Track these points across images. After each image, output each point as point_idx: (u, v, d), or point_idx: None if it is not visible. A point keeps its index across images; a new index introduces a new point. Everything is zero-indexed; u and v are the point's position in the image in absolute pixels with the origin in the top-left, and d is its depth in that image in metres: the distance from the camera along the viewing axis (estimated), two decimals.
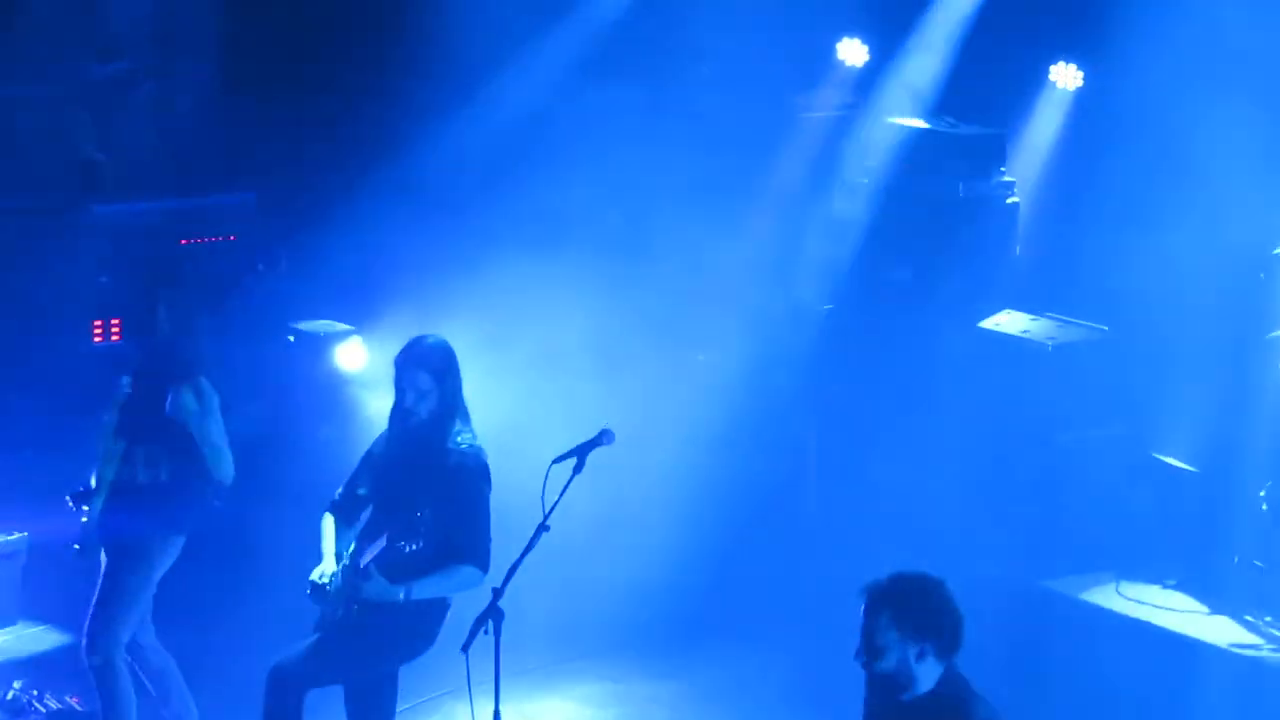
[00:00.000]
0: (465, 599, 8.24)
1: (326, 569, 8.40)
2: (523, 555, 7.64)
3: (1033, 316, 11.37)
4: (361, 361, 11.23)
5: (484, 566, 8.24)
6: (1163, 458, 10.76)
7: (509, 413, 9.93)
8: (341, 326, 11.52)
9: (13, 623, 10.56)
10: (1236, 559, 10.38)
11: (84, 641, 9.14)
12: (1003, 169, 11.89)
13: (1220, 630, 10.04)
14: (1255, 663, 9.75)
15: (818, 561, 11.29)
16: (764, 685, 10.58)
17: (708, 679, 10.71)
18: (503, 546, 8.15)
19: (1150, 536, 10.66)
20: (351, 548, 8.40)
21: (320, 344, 11.38)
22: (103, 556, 9.19)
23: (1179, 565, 10.57)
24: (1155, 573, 10.60)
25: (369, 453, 8.66)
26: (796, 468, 12.16)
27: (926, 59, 12.16)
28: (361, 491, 8.60)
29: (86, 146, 12.41)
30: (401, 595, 8.18)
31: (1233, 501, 10.43)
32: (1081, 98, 11.85)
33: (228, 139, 12.32)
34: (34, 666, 10.13)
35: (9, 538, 10.56)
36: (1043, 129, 12.03)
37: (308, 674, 8.38)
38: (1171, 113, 10.86)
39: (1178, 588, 10.49)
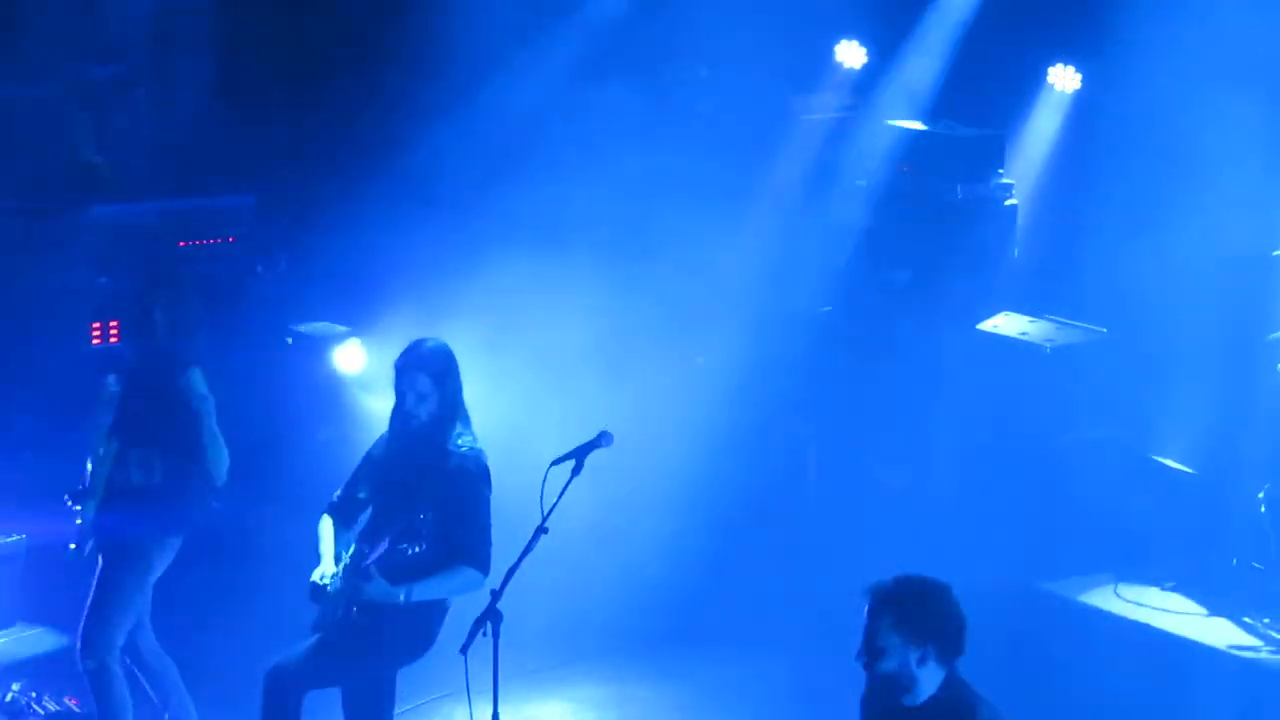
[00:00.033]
0: (464, 601, 8.25)
1: (326, 570, 8.40)
2: (521, 557, 7.65)
3: (1031, 318, 11.38)
4: (360, 363, 11.23)
5: (484, 569, 8.24)
6: (1161, 460, 10.77)
7: (508, 414, 9.93)
8: (340, 328, 11.51)
9: (11, 624, 10.55)
10: (1235, 561, 10.39)
11: (78, 645, 9.13)
12: (1001, 171, 11.90)
13: (1219, 632, 10.05)
14: (1254, 664, 9.76)
15: (817, 563, 11.28)
16: (763, 687, 10.58)
17: (707, 681, 10.71)
18: (502, 548, 8.16)
19: (1149, 538, 10.67)
20: (351, 549, 8.40)
21: (319, 346, 11.38)
22: (98, 558, 9.19)
23: (1177, 567, 10.58)
24: (1154, 575, 10.61)
25: (368, 455, 8.67)
26: (795, 469, 12.16)
27: (925, 61, 12.18)
28: (361, 494, 8.60)
29: (85, 148, 12.41)
30: (402, 597, 8.18)
31: (1231, 503, 10.45)
32: (1079, 100, 11.87)
33: (226, 140, 12.32)
34: (33, 668, 10.11)
35: (7, 539, 10.55)
36: (1041, 131, 12.05)
37: (306, 675, 8.38)
38: (1169, 115, 10.87)
39: (1176, 590, 10.50)
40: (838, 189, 12.33)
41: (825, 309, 12.32)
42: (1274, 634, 9.96)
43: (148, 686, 9.38)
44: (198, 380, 9.07)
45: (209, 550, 9.62)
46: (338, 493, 8.69)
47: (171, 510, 9.14)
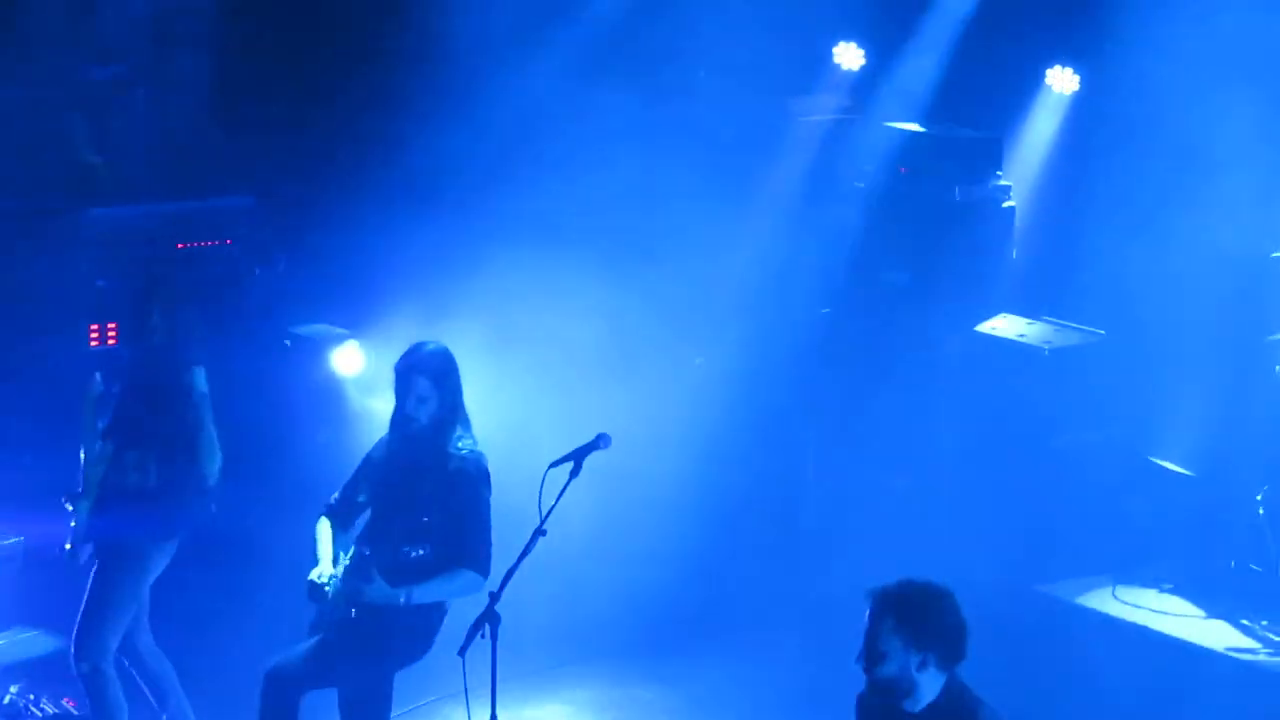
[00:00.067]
0: (462, 603, 8.25)
1: (324, 570, 8.40)
2: (519, 559, 7.66)
3: (1029, 320, 11.38)
4: (358, 365, 11.22)
5: (484, 571, 8.24)
6: (1159, 461, 10.77)
7: (507, 416, 9.93)
8: (338, 330, 11.51)
9: (9, 627, 10.54)
10: (1233, 563, 10.40)
11: (72, 649, 9.12)
12: (999, 173, 11.91)
13: (1217, 634, 10.05)
14: (1252, 667, 9.77)
15: (815, 565, 11.29)
16: (762, 689, 10.58)
17: (705, 683, 10.71)
18: (501, 550, 8.16)
19: (1147, 540, 10.68)
20: (351, 551, 8.40)
21: (317, 348, 11.37)
22: (94, 562, 9.18)
23: (1175, 569, 10.59)
24: (1152, 577, 10.62)
25: (368, 458, 8.67)
26: (794, 471, 12.17)
27: (923, 63, 12.17)
28: (360, 497, 8.60)
29: (84, 149, 12.40)
30: (402, 599, 8.19)
31: (1229, 505, 10.46)
32: (1078, 102, 11.87)
33: (225, 142, 12.32)
34: (31, 670, 10.10)
35: (5, 541, 10.54)
36: (1039, 133, 12.05)
37: (304, 676, 8.39)
38: (1167, 117, 10.88)
39: (1174, 592, 10.51)
40: (836, 191, 12.33)
41: (823, 311, 12.32)
42: (1272, 636, 9.97)
43: (145, 688, 9.38)
44: (200, 379, 9.08)
45: (207, 552, 9.61)
46: (336, 495, 8.69)
47: (167, 513, 9.13)
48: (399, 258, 11.56)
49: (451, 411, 8.44)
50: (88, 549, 9.19)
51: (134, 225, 11.59)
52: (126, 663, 9.34)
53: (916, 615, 6.50)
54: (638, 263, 11.64)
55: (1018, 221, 11.92)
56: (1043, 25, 11.75)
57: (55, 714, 9.79)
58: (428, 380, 8.39)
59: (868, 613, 6.55)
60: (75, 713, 9.71)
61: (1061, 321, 11.32)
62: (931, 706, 6.53)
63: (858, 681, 6.68)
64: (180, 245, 11.61)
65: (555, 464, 7.84)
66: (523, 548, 7.65)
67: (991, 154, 11.89)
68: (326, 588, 8.32)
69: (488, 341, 10.47)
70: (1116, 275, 11.12)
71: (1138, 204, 11.11)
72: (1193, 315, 10.63)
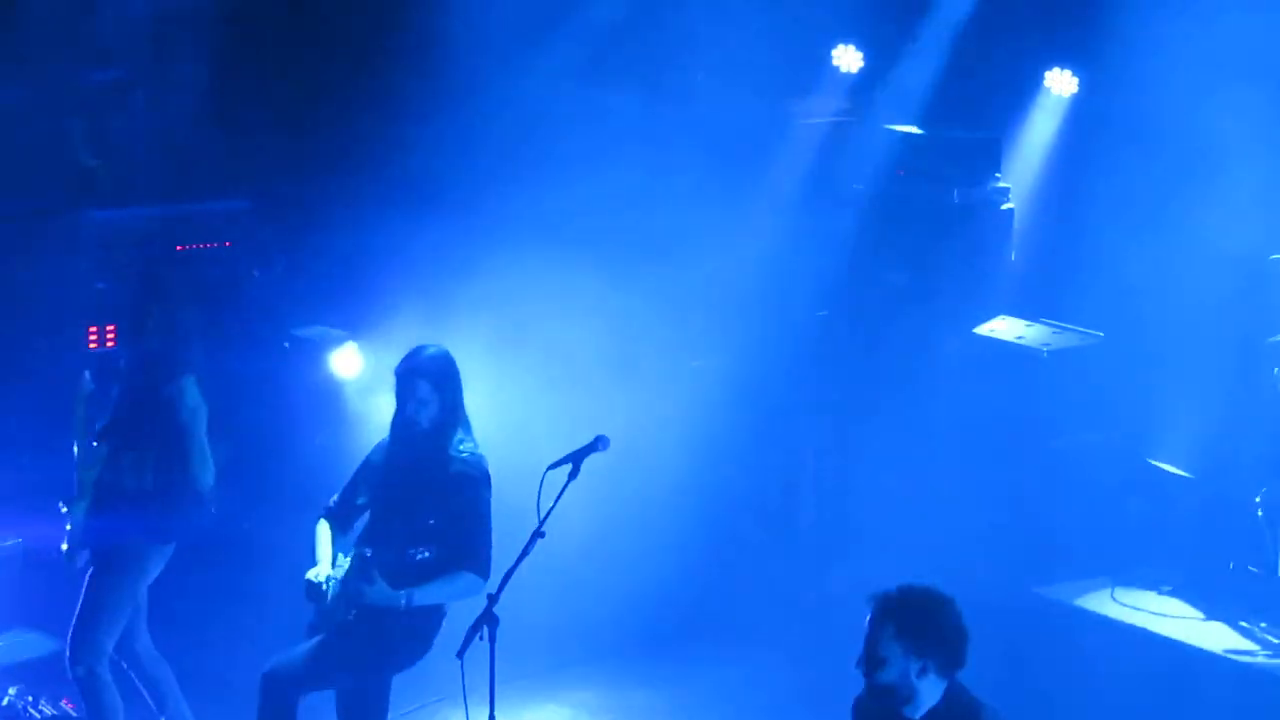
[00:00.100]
0: (461, 605, 8.25)
1: (322, 570, 8.40)
2: (518, 561, 7.66)
3: (1028, 322, 11.38)
4: (357, 367, 11.22)
5: (485, 574, 8.25)
6: (1158, 463, 10.77)
7: (506, 418, 9.93)
8: (337, 332, 11.51)
9: (8, 628, 10.54)
10: (1232, 565, 10.40)
11: (67, 652, 9.11)
12: (998, 175, 11.90)
13: (1216, 636, 10.05)
14: (1251, 669, 9.76)
15: (814, 567, 11.30)
16: (759, 692, 10.58)
17: (704, 686, 10.71)
18: (500, 552, 8.16)
19: (1145, 542, 10.68)
20: (350, 553, 8.40)
21: (316, 350, 11.37)
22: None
23: (1174, 571, 10.59)
24: (1150, 579, 10.61)
25: (367, 461, 8.68)
26: (793, 473, 12.17)
27: (921, 65, 12.17)
28: (360, 500, 8.61)
29: (82, 152, 12.39)
30: (404, 601, 8.19)
31: (1228, 507, 10.45)
32: (1077, 103, 11.87)
33: (224, 144, 12.31)
34: (29, 672, 10.11)
35: (4, 543, 10.55)
36: (1038, 135, 12.05)
37: (303, 678, 8.40)
38: (1166, 119, 10.87)
39: (1173, 593, 10.51)
40: (834, 193, 12.33)
41: (822, 313, 12.32)
42: (1271, 638, 9.97)
43: (144, 691, 9.38)
44: (190, 392, 9.04)
45: (205, 554, 9.61)
46: (335, 498, 8.69)
47: (164, 515, 9.11)
48: (399, 259, 11.56)
49: (452, 414, 8.46)
50: (84, 553, 9.18)
51: (133, 227, 11.59)
52: (125, 665, 9.34)
53: (917, 622, 6.49)
54: (637, 264, 11.64)
55: (1016, 223, 11.92)
56: (1041, 27, 11.75)
57: (54, 715, 9.79)
58: (428, 384, 8.41)
59: (868, 618, 6.53)
60: (74, 714, 9.71)
61: (1060, 323, 11.31)
62: (932, 712, 6.52)
63: (857, 683, 6.68)
64: (179, 247, 11.61)
65: (554, 466, 7.85)
66: (521, 549, 7.66)
67: (990, 156, 11.89)
68: (324, 587, 8.33)
69: (487, 343, 10.48)
70: (1115, 277, 11.12)
71: (1137, 206, 11.11)
72: (1191, 317, 10.63)
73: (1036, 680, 9.93)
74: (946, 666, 6.52)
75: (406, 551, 8.25)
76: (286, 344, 11.57)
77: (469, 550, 8.31)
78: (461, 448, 8.42)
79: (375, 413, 10.08)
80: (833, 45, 12.70)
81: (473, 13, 11.94)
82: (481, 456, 8.46)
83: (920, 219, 11.87)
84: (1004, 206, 11.87)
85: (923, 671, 6.49)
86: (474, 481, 8.39)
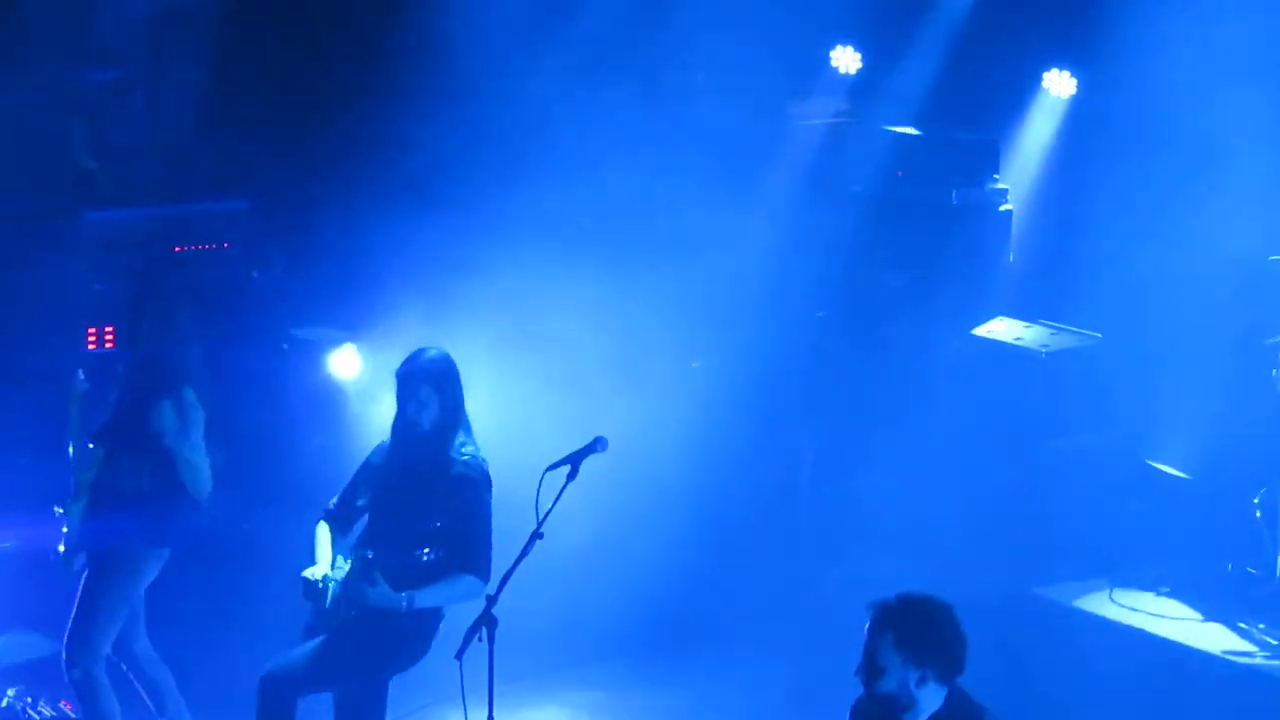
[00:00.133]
0: (459, 606, 8.25)
1: (320, 570, 8.40)
2: (516, 562, 7.67)
3: (1026, 323, 11.38)
4: (356, 369, 11.23)
5: (485, 577, 8.26)
6: (1156, 465, 10.77)
7: (505, 419, 9.94)
8: (336, 333, 11.51)
9: (8, 630, 10.54)
10: (1230, 566, 10.40)
11: (63, 655, 9.10)
12: (996, 176, 11.91)
13: (1214, 637, 10.05)
14: (1249, 670, 9.76)
15: (812, 568, 11.29)
16: (758, 693, 10.58)
17: (703, 687, 10.71)
18: (500, 553, 8.17)
19: (1144, 543, 10.67)
20: (351, 556, 8.40)
21: (315, 351, 11.37)
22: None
23: (1173, 572, 10.59)
24: (1149, 580, 10.61)
25: (367, 462, 8.68)
26: (792, 474, 12.17)
27: (920, 66, 12.17)
28: (359, 502, 8.61)
29: (80, 153, 12.39)
30: (405, 603, 8.20)
31: (1226, 508, 10.46)
32: (1075, 105, 11.87)
33: (222, 144, 12.31)
34: (28, 674, 10.11)
35: (3, 544, 10.54)
36: (1036, 136, 12.05)
37: (301, 680, 8.40)
38: (1165, 120, 10.88)
39: (1171, 594, 10.51)
40: (833, 194, 12.33)
41: (820, 314, 12.32)
42: (1269, 639, 9.97)
43: (143, 693, 9.37)
44: (169, 415, 8.99)
45: (204, 556, 9.62)
46: (334, 499, 8.70)
47: (161, 518, 9.10)
48: (398, 260, 11.56)
49: (453, 417, 8.47)
50: (81, 555, 9.17)
51: (132, 228, 11.59)
52: (124, 667, 9.33)
53: (916, 631, 6.47)
54: (636, 265, 11.65)
55: (1015, 225, 11.92)
56: (1039, 29, 11.75)
57: (53, 716, 9.79)
58: (429, 386, 8.42)
59: (867, 626, 6.52)
60: (73, 715, 9.70)
61: (1058, 324, 11.31)
62: (934, 718, 6.51)
63: (856, 685, 6.67)
64: (178, 248, 11.61)
65: (552, 467, 7.85)
66: (520, 550, 7.66)
67: (988, 157, 11.89)
68: (320, 586, 8.32)
69: (487, 344, 10.48)
70: (1114, 278, 11.12)
71: (1135, 207, 11.11)
72: (1190, 318, 10.64)
73: (1034, 681, 9.93)
74: (946, 674, 6.50)
75: (413, 553, 8.26)
76: (285, 345, 11.57)
77: (470, 553, 8.32)
78: (463, 450, 8.43)
79: (375, 414, 10.09)
80: (831, 46, 12.70)
81: (471, 13, 11.94)
82: (483, 459, 8.47)
83: (919, 220, 11.87)
84: (1002, 208, 11.87)
85: (922, 681, 6.48)
86: (475, 484, 8.40)
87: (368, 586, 8.18)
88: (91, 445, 9.19)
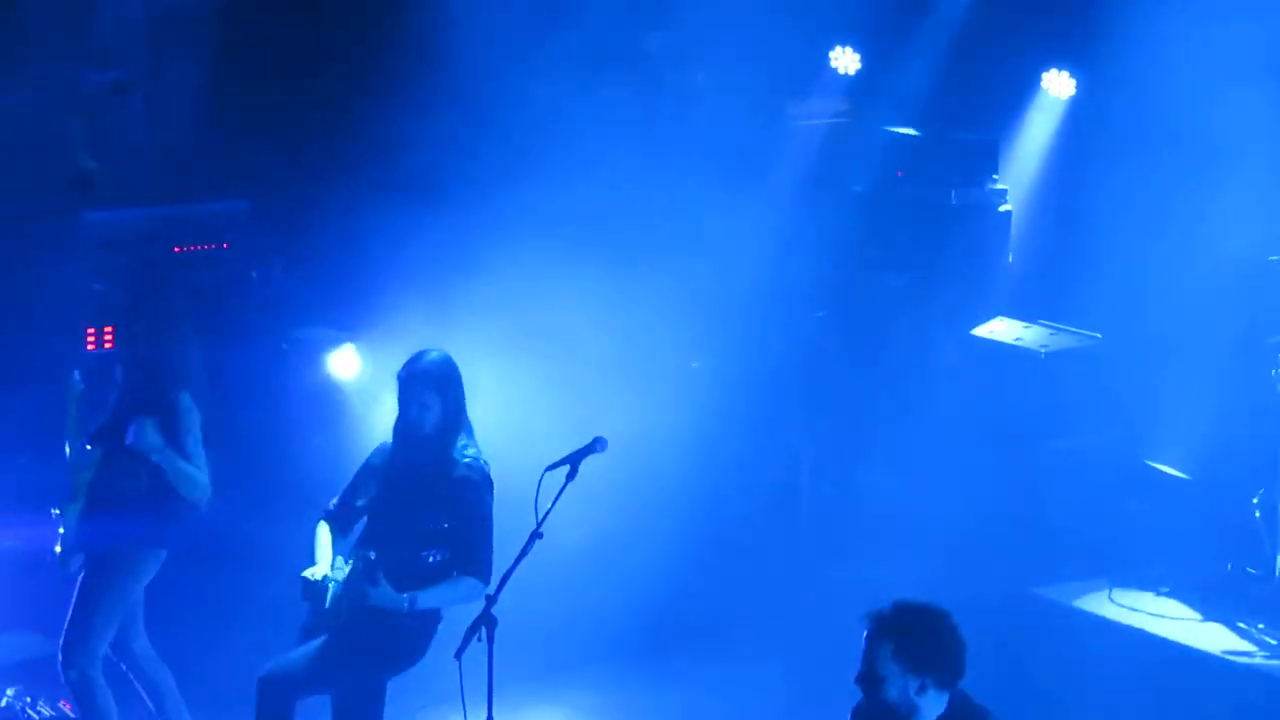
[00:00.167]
0: (459, 606, 8.25)
1: (320, 570, 8.40)
2: (516, 562, 7.67)
3: (1025, 323, 11.39)
4: (355, 369, 11.23)
5: (486, 579, 8.26)
6: (1156, 465, 10.77)
7: (505, 419, 9.94)
8: (335, 333, 11.51)
9: (7, 629, 10.54)
10: (1229, 566, 10.40)
11: (59, 656, 9.09)
12: (995, 176, 11.91)
13: (1213, 637, 10.05)
14: (1248, 669, 9.76)
15: (811, 568, 11.29)
16: (757, 693, 10.58)
17: (702, 687, 10.71)
18: (499, 552, 8.17)
19: (1143, 543, 10.67)
20: (352, 557, 8.40)
21: (314, 351, 11.37)
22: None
23: (1172, 572, 10.59)
24: (1148, 580, 10.61)
25: (367, 464, 8.67)
26: (790, 474, 12.17)
27: (919, 67, 12.18)
28: (360, 502, 8.61)
29: (80, 153, 12.39)
30: (407, 604, 8.20)
31: (1225, 508, 10.46)
32: (1074, 105, 11.87)
33: (222, 145, 12.32)
34: (27, 673, 10.11)
35: (2, 544, 10.54)
36: (1035, 136, 12.06)
37: (299, 681, 8.40)
38: (1164, 120, 10.88)
39: (1171, 595, 10.51)
40: (832, 194, 12.33)
41: (820, 314, 12.32)
42: (1268, 639, 9.97)
43: (143, 693, 9.37)
44: (151, 434, 8.95)
45: (204, 556, 9.61)
46: (334, 501, 8.69)
47: (158, 519, 9.09)
48: (398, 260, 11.56)
49: (455, 419, 8.47)
50: (79, 557, 9.16)
51: (132, 228, 11.60)
52: (124, 667, 9.33)
53: (915, 640, 6.45)
54: (636, 265, 11.65)
55: (1014, 225, 11.93)
56: (1038, 29, 11.75)
57: (52, 716, 9.80)
58: (431, 389, 8.42)
59: (865, 635, 6.51)
60: (72, 715, 9.70)
61: (1058, 324, 11.32)
62: None
63: (852, 686, 6.66)
64: (177, 249, 11.61)
65: (551, 467, 7.85)
66: (519, 550, 7.66)
67: (988, 158, 11.91)
68: (320, 586, 8.32)
69: (487, 344, 10.48)
70: (1113, 278, 11.13)
71: (1134, 207, 11.12)
72: (1190, 317, 10.65)
73: (1034, 680, 9.93)
74: (946, 681, 6.49)
75: (419, 554, 8.27)
76: (285, 345, 11.57)
77: (471, 555, 8.33)
78: (465, 453, 8.43)
79: (374, 414, 10.09)
80: (831, 47, 12.70)
81: (471, 12, 11.95)
82: (484, 462, 8.47)
83: (918, 220, 11.88)
84: (1002, 208, 11.88)
85: (922, 689, 6.46)
86: (476, 486, 8.40)
87: (370, 587, 8.18)
88: (89, 446, 9.18)
